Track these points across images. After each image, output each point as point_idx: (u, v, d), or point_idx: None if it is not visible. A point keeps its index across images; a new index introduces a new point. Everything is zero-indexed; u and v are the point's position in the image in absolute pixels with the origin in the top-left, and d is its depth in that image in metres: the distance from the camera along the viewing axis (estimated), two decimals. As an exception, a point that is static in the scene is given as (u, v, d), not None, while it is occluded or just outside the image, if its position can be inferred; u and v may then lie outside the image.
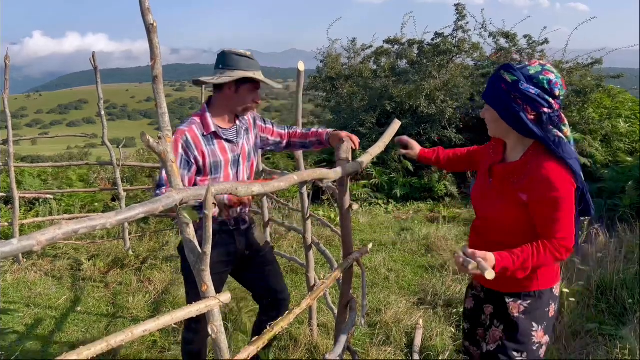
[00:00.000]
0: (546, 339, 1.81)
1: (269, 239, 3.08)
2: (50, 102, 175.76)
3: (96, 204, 6.57)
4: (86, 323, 3.58)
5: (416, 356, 2.91)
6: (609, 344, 2.85)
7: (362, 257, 2.19)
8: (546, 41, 8.18)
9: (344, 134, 2.23)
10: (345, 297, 2.21)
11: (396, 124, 2.37)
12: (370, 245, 2.33)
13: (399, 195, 7.43)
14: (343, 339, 1.92)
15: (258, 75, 2.19)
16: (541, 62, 1.70)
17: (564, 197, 1.63)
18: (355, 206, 2.11)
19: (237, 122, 2.28)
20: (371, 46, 9.18)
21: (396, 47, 8.90)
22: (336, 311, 2.45)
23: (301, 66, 2.74)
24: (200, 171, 2.18)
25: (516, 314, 1.78)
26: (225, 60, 2.16)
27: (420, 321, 3.28)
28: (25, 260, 4.73)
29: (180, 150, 2.10)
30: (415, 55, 8.70)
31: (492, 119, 1.78)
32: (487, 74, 8.38)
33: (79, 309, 3.78)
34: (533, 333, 1.77)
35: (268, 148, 2.48)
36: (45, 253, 4.97)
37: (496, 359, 1.78)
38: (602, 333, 3.01)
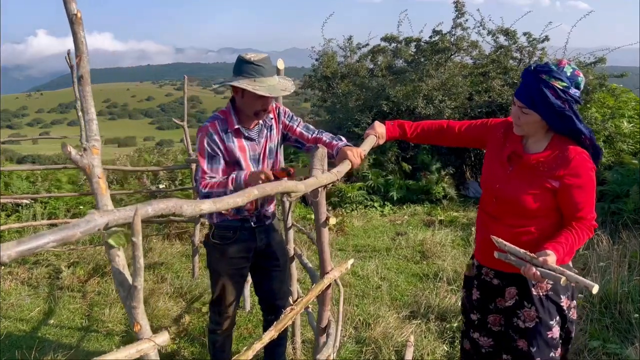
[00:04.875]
0: (574, 303, 1.99)
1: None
2: (51, 101, 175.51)
3: (82, 207, 6.37)
4: (57, 337, 3.37)
5: (406, 377, 2.70)
6: (614, 365, 2.65)
7: (340, 275, 1.98)
8: (547, 38, 7.95)
9: (350, 152, 2.02)
10: (323, 320, 2.01)
11: (371, 139, 2.16)
12: (351, 261, 2.12)
13: (395, 197, 7.20)
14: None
15: (253, 84, 2.05)
16: (566, 61, 1.76)
17: (593, 183, 1.80)
18: (332, 220, 1.90)
19: (261, 120, 2.27)
20: (367, 44, 8.95)
21: (393, 44, 8.67)
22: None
23: (280, 64, 2.59)
24: (227, 164, 2.21)
25: (543, 293, 1.91)
26: (235, 66, 2.16)
27: (412, 338, 3.05)
28: (2, 268, 4.53)
29: (206, 147, 2.15)
30: (412, 53, 8.48)
31: (531, 121, 1.80)
32: (486, 72, 8.14)
33: (51, 321, 3.58)
34: (562, 303, 1.92)
35: (292, 145, 2.41)
36: (24, 260, 4.76)
37: (537, 333, 1.93)
38: (606, 352, 2.80)
